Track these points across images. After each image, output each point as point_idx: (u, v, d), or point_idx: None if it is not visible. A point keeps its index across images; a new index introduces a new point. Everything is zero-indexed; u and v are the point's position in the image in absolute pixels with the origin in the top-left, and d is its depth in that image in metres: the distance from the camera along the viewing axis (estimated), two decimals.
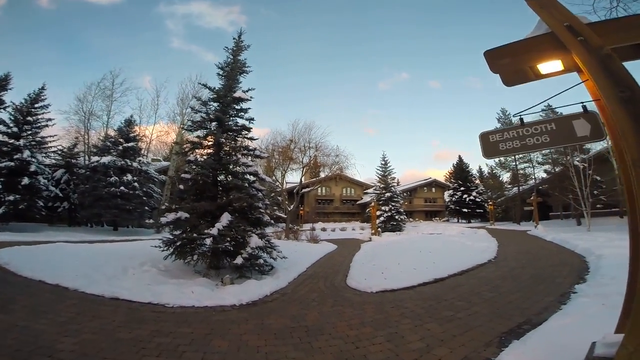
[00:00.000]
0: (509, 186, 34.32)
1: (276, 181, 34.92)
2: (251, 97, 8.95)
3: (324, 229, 27.48)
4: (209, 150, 8.26)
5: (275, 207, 37.70)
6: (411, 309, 4.84)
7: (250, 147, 8.49)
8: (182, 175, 7.58)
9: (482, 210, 40.29)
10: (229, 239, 6.34)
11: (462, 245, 12.13)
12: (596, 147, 25.34)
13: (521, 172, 32.86)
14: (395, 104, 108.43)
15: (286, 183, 26.67)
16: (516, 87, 3.11)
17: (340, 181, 45.74)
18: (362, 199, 45.32)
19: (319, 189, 46.49)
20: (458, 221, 41.67)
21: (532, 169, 32.63)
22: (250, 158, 8.25)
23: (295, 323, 4.29)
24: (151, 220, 21.29)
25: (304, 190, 23.01)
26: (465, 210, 40.72)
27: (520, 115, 2.67)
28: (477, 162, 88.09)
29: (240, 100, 8.78)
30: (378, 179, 34.42)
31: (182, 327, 4.11)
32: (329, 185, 46.44)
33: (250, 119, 8.78)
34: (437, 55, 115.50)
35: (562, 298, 5.05)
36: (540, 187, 28.81)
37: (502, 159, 34.56)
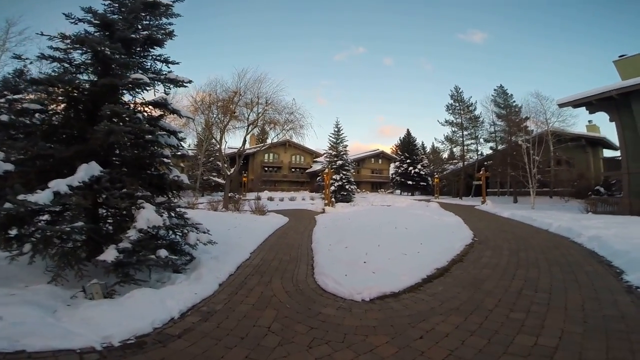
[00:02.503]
0: (455, 161, 35.20)
1: (216, 144, 30.89)
2: (178, 15, 5.53)
3: (270, 199, 24.74)
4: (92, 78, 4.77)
5: (214, 174, 33.43)
6: (458, 336, 2.64)
7: (163, 71, 5.20)
8: (27, 105, 4.02)
9: (425, 184, 41.55)
10: (106, 212, 3.32)
11: (432, 221, 10.65)
12: (537, 129, 26.47)
13: (466, 148, 33.75)
14: (348, 76, 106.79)
15: (227, 144, 22.61)
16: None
17: (290, 148, 42.62)
18: (311, 167, 43.18)
19: (267, 155, 42.89)
20: (401, 193, 42.42)
21: (475, 145, 33.67)
22: (162, 85, 5.00)
23: None
24: None
25: (247, 151, 19.63)
26: (410, 182, 41.51)
27: None
28: (422, 138, 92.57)
29: (157, 6, 5.29)
30: (330, 145, 32.39)
31: None
32: (278, 152, 43.11)
33: (169, 34, 5.41)
34: (394, 31, 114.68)
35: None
36: (485, 163, 29.75)
37: (449, 133, 35.05)
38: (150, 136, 3.94)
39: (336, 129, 32.45)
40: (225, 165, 17.70)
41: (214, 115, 18.42)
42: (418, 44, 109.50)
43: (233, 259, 5.17)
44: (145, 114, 4.71)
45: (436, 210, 16.39)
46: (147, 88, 4.69)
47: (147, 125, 3.95)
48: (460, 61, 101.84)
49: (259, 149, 26.49)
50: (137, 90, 4.64)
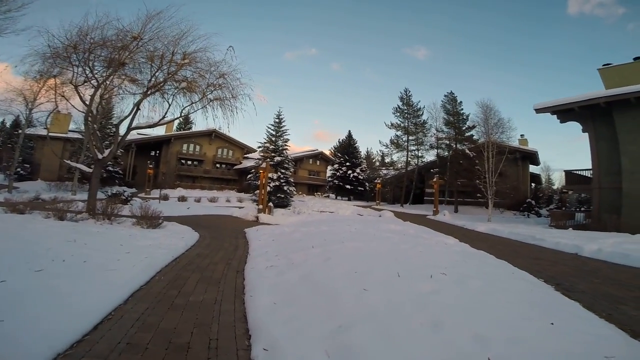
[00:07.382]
0: (399, 167, 33.52)
1: (112, 117, 23.08)
2: None
3: (183, 199, 18.45)
4: None
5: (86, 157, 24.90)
6: None
7: None
8: None
9: (362, 189, 39.39)
10: None
11: (449, 248, 6.81)
12: (481, 139, 26.12)
13: (411, 153, 32.38)
14: (294, 76, 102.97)
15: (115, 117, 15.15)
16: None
17: (216, 139, 35.93)
18: (241, 163, 37.08)
19: (186, 145, 35.19)
20: (337, 198, 39.58)
21: (418, 152, 32.53)
22: None
23: None
24: None
25: (141, 134, 13.32)
26: (348, 187, 38.83)
27: None
28: (359, 144, 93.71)
29: None
30: (267, 139, 27.28)
31: None
32: (200, 143, 35.84)
33: None
34: (347, 38, 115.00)
35: None
36: (432, 170, 28.43)
37: (394, 137, 33.36)
38: None
39: (277, 120, 27.56)
40: (95, 145, 10.98)
41: (88, 69, 11.54)
42: (367, 53, 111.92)
43: None
44: None
45: (405, 224, 12.94)
46: None
47: None
48: (405, 74, 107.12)
49: (153, 126, 19.42)
50: None
